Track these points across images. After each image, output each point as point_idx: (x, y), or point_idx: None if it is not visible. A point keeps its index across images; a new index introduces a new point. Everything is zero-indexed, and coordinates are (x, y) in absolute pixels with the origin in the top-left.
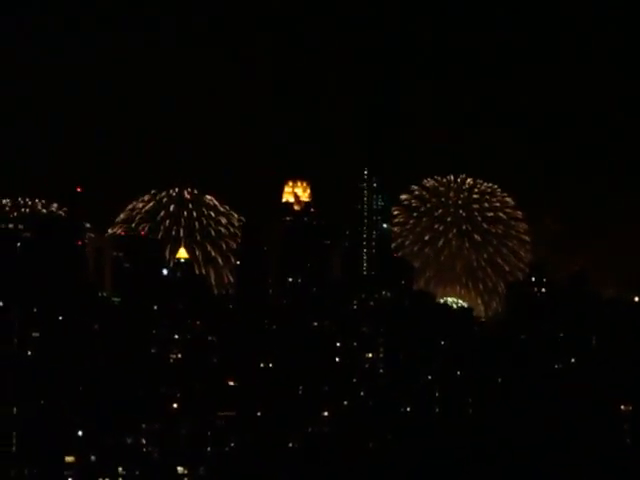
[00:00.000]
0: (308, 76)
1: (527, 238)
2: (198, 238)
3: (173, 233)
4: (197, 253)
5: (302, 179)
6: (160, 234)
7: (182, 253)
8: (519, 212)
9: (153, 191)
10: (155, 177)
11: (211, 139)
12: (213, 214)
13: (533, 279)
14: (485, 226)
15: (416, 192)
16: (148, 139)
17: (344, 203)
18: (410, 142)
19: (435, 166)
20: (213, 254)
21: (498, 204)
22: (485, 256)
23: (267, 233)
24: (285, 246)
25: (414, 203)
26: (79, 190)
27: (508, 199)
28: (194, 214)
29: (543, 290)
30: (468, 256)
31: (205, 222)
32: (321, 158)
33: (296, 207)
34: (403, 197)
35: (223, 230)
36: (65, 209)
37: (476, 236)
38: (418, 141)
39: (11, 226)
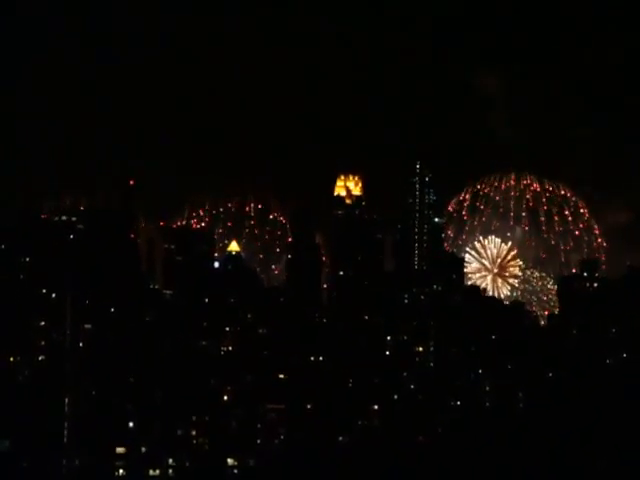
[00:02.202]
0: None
1: (603, 257)
2: (261, 256)
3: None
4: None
5: (354, 173)
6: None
7: (233, 246)
8: (596, 226)
9: (207, 206)
10: (209, 171)
11: (261, 133)
12: (279, 232)
13: (585, 274)
14: (552, 243)
15: (466, 201)
16: (200, 135)
17: (396, 197)
18: (466, 136)
19: (494, 162)
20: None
21: (570, 217)
22: (551, 278)
23: (318, 227)
24: (336, 240)
25: (464, 215)
26: (132, 183)
27: (582, 210)
28: (255, 231)
29: (595, 285)
30: (534, 286)
31: (268, 239)
32: (373, 152)
33: (348, 201)
34: (451, 208)
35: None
36: (118, 201)
37: (543, 255)
38: (476, 135)
39: (64, 218)
